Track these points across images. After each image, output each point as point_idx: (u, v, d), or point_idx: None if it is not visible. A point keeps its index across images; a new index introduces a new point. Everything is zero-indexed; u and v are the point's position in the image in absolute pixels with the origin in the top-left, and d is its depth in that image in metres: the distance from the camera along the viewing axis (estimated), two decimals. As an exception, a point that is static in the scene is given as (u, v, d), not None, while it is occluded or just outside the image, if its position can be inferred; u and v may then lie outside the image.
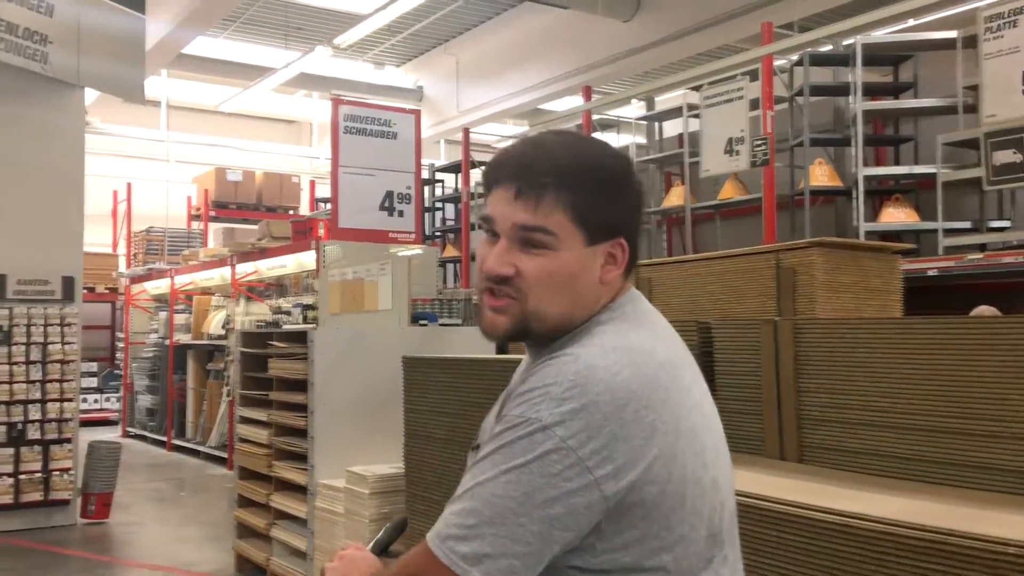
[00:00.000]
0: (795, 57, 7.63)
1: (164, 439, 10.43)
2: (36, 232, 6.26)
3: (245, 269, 9.24)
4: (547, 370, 1.06)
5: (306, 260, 7.96)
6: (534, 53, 11.76)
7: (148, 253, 12.54)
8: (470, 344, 4.30)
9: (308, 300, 7.90)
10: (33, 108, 6.29)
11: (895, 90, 7.56)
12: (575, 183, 1.11)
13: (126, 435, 11.36)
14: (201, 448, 9.62)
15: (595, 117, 9.90)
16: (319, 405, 4.28)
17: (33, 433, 6.07)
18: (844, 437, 2.28)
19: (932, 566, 1.62)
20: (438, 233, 12.08)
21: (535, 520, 0.99)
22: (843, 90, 7.40)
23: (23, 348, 6.09)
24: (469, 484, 1.04)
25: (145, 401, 11.14)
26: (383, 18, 9.74)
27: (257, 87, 12.25)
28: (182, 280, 10.71)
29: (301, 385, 4.44)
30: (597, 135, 9.63)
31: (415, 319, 5.09)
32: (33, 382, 6.10)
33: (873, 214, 6.96)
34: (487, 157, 12.03)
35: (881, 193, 7.19)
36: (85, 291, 7.44)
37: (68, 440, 6.21)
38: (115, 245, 14.29)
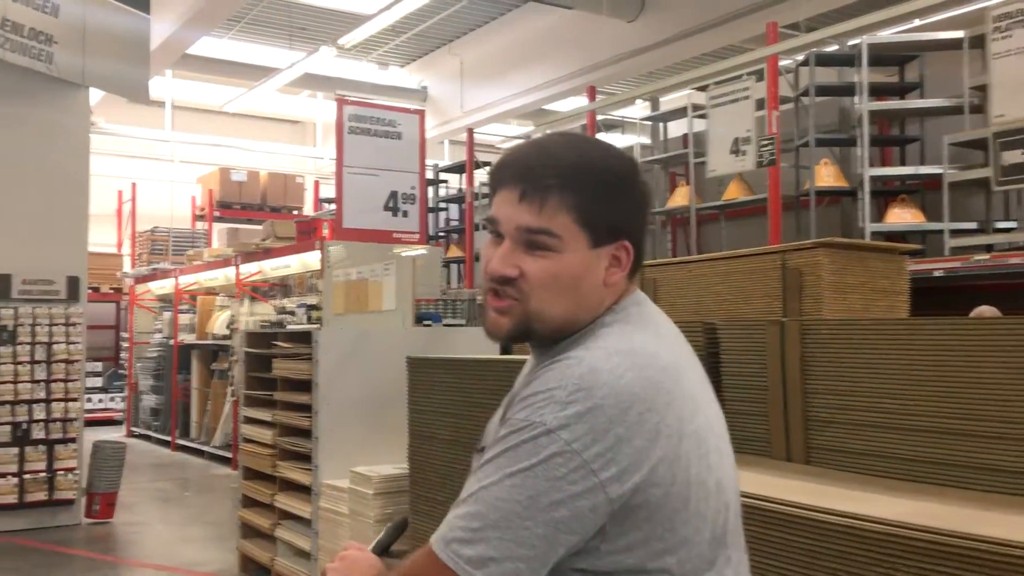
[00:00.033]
0: (800, 57, 7.62)
1: (168, 439, 10.44)
2: (41, 232, 6.27)
3: (249, 269, 9.24)
4: (551, 374, 1.06)
5: (310, 260, 7.96)
6: (538, 53, 11.75)
7: (152, 253, 12.56)
8: (474, 344, 4.29)
9: (312, 300, 7.91)
10: (38, 108, 6.30)
11: (901, 90, 7.55)
12: (580, 185, 1.11)
13: (130, 435, 11.38)
14: (205, 448, 9.63)
15: (599, 117, 9.90)
16: (323, 405, 4.28)
17: (38, 433, 6.08)
18: (851, 438, 2.26)
19: (939, 568, 1.61)
20: (442, 233, 12.08)
21: (540, 523, 0.99)
22: (849, 90, 7.38)
23: (28, 348, 6.10)
24: (474, 488, 1.04)
25: (149, 401, 11.16)
26: (387, 18, 9.75)
27: (261, 87, 12.26)
28: (186, 280, 10.72)
29: (305, 385, 4.43)
30: (601, 135, 9.63)
31: (419, 319, 5.10)
32: (38, 382, 6.11)
33: (879, 215, 6.94)
34: (491, 157, 12.07)
35: (887, 194, 7.17)
36: (90, 291, 7.44)
37: (73, 440, 6.22)
38: (120, 245, 14.31)
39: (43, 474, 6.07)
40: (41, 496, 6.06)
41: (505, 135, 14.99)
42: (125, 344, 12.51)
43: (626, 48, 10.51)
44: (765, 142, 6.95)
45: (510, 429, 1.04)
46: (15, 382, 6.03)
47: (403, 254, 5.38)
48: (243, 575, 5.05)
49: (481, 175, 10.78)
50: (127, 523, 6.39)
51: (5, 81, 6.04)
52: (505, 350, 3.78)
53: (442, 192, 12.24)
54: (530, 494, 0.99)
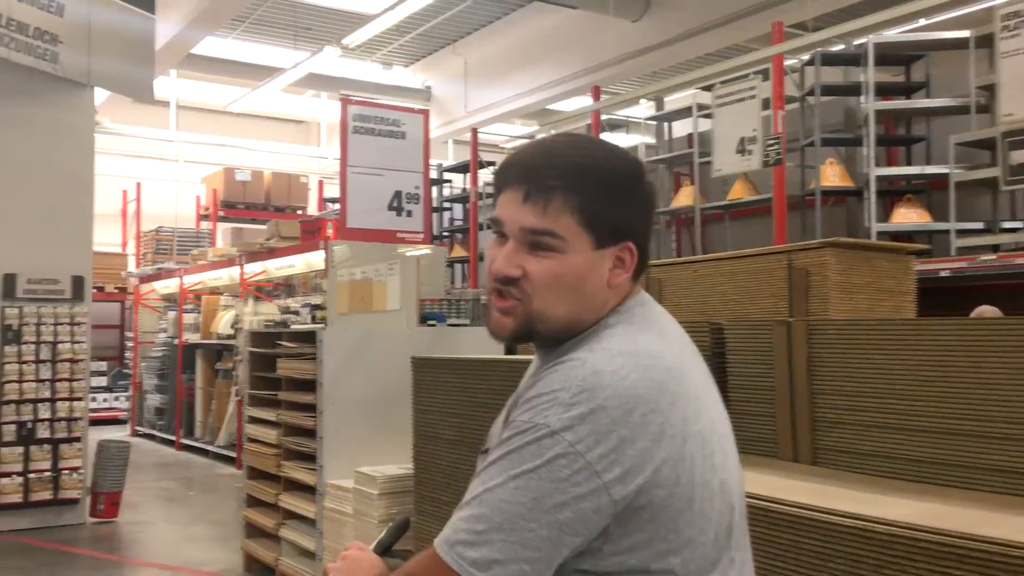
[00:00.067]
0: (806, 57, 7.59)
1: (173, 438, 10.46)
2: (46, 231, 6.28)
3: (254, 269, 9.25)
4: (554, 375, 1.06)
5: (314, 260, 7.96)
6: (543, 53, 11.74)
7: (157, 253, 12.58)
8: (479, 344, 4.28)
9: (316, 300, 7.91)
10: (43, 108, 6.31)
11: (907, 90, 7.52)
12: (583, 186, 1.11)
13: (135, 434, 11.40)
14: (210, 447, 9.64)
15: (604, 117, 9.88)
16: (328, 405, 4.27)
17: (42, 432, 6.08)
18: (858, 439, 2.25)
19: (949, 570, 1.60)
20: (446, 233, 12.08)
21: (544, 525, 0.99)
22: (855, 90, 7.35)
23: (33, 347, 6.11)
24: (478, 490, 1.04)
25: (154, 400, 11.18)
26: (391, 18, 9.74)
27: (266, 87, 12.27)
28: (191, 280, 10.73)
29: (310, 385, 4.43)
30: (606, 135, 9.61)
31: (423, 319, 5.09)
32: (43, 381, 6.12)
33: (885, 215, 6.92)
34: (495, 157, 12.07)
35: (893, 193, 7.15)
36: (94, 290, 7.47)
37: (77, 439, 6.23)
38: (124, 245, 14.35)
39: (48, 473, 6.08)
40: (46, 495, 6.07)
41: (509, 135, 14.99)
42: (130, 343, 12.54)
43: (631, 48, 10.49)
44: (771, 141, 6.92)
45: (514, 431, 1.04)
46: (20, 381, 6.04)
47: (407, 254, 5.37)
48: (247, 575, 5.05)
49: (485, 175, 10.78)
50: (131, 522, 6.40)
51: (10, 81, 6.05)
52: (510, 350, 3.77)
53: (446, 192, 12.24)
54: (534, 496, 0.99)
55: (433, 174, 11.22)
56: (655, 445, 1.02)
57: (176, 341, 10.63)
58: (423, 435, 3.63)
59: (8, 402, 5.99)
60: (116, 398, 12.65)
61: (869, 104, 6.77)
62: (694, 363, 1.16)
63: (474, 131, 11.17)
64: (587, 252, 1.12)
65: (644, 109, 11.67)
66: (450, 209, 12.19)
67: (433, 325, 5.04)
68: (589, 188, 1.11)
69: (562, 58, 11.46)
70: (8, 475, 5.94)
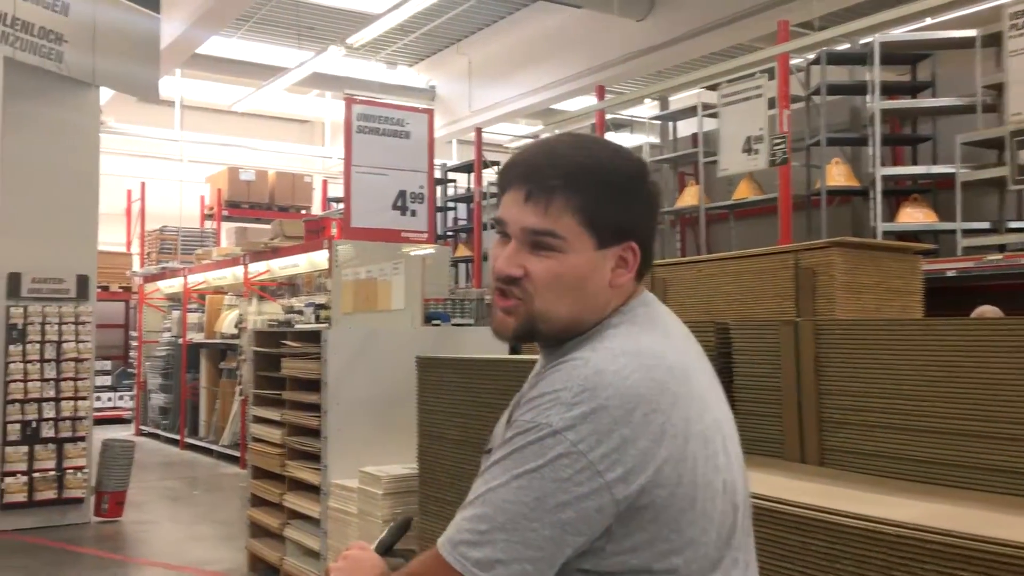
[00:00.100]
0: (812, 56, 7.57)
1: (177, 438, 10.47)
2: (50, 231, 6.29)
3: (258, 268, 9.26)
4: (556, 375, 1.06)
5: (318, 259, 7.96)
6: (547, 52, 11.73)
7: (161, 252, 12.60)
8: (483, 344, 4.28)
9: (321, 299, 7.90)
10: (48, 107, 6.31)
11: (913, 89, 7.49)
12: (585, 187, 1.11)
13: (139, 433, 11.42)
14: (214, 447, 9.65)
15: (608, 117, 9.86)
16: (332, 405, 4.27)
17: (47, 431, 6.09)
18: (865, 440, 2.24)
19: (957, 571, 1.59)
20: (450, 233, 12.08)
21: (547, 525, 0.99)
22: (860, 89, 7.33)
23: (37, 346, 6.12)
24: (480, 490, 1.04)
25: (158, 400, 11.19)
26: (396, 18, 9.74)
27: (270, 87, 12.28)
28: (195, 279, 10.75)
29: (314, 385, 4.43)
30: (610, 135, 9.60)
31: (428, 319, 5.08)
32: (47, 380, 6.13)
33: (890, 214, 6.90)
34: (499, 157, 12.06)
35: (899, 193, 7.13)
36: (99, 290, 7.47)
37: (82, 438, 6.24)
38: (129, 244, 14.37)
39: (52, 472, 6.09)
40: (50, 494, 6.08)
41: (513, 134, 14.99)
42: (134, 343, 12.56)
43: (635, 47, 10.48)
44: (777, 140, 6.90)
45: (516, 431, 1.04)
46: (25, 380, 6.04)
47: (412, 253, 5.36)
48: (252, 574, 5.05)
49: (489, 174, 10.77)
50: (136, 522, 6.40)
51: (15, 80, 6.05)
52: (514, 350, 3.76)
53: (450, 191, 12.23)
54: (537, 496, 0.99)
55: (437, 174, 11.21)
56: (656, 445, 1.02)
57: (180, 340, 10.64)
58: (428, 435, 3.63)
59: (13, 401, 6.00)
60: (120, 397, 12.67)
61: (875, 103, 6.75)
62: (698, 363, 1.15)
63: (478, 131, 11.17)
64: (589, 252, 1.12)
65: (648, 109, 11.66)
66: (454, 209, 12.19)
67: (437, 325, 5.03)
68: (590, 188, 1.11)
69: (566, 57, 11.45)
70: (13, 474, 5.95)
